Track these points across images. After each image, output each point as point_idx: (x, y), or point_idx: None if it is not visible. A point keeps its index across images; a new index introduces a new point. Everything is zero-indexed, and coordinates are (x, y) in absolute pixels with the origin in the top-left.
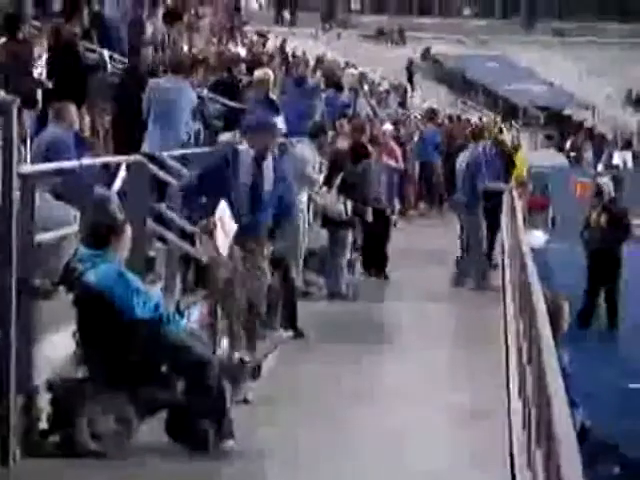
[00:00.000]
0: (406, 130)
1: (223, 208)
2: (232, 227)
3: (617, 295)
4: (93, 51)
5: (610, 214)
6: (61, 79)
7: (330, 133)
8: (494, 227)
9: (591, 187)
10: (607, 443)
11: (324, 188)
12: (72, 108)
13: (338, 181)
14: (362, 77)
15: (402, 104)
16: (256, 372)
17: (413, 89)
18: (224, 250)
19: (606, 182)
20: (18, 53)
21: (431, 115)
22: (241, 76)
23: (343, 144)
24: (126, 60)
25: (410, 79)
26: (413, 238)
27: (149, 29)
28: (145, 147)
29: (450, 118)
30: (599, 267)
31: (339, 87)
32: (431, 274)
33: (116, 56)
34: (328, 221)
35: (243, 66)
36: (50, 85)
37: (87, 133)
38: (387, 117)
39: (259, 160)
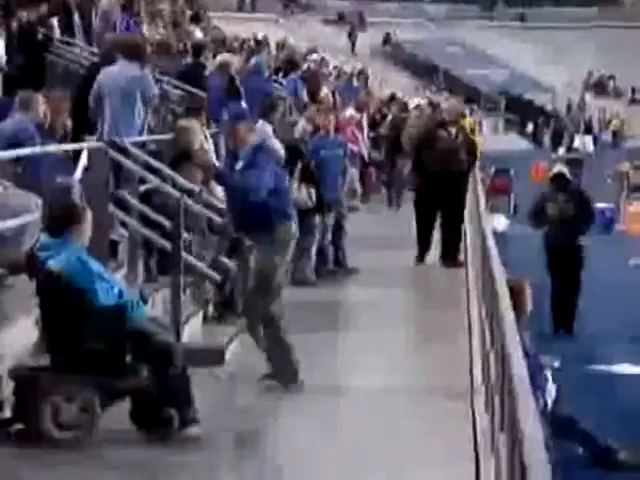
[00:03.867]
0: (369, 115)
1: None
2: None
3: (577, 297)
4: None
5: (576, 204)
6: (20, 64)
7: (292, 116)
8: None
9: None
10: (570, 417)
11: None
12: (39, 98)
13: (299, 168)
14: (323, 62)
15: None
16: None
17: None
18: None
19: (561, 168)
20: None
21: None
22: (205, 61)
23: (307, 127)
24: (90, 48)
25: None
26: (374, 224)
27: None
28: (101, 135)
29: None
30: (561, 264)
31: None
32: (393, 259)
33: (78, 42)
34: None
35: (207, 51)
36: (6, 69)
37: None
38: (350, 102)
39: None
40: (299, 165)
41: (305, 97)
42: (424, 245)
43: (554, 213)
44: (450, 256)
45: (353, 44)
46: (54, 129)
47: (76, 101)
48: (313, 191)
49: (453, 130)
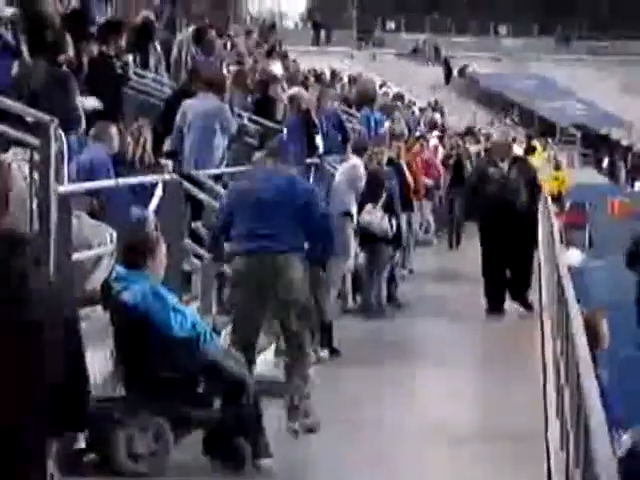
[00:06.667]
0: (446, 148)
1: None
2: None
3: None
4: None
5: None
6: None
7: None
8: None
9: (628, 207)
10: None
11: (369, 205)
12: (113, 129)
13: (384, 198)
14: (397, 96)
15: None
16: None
17: None
18: None
19: None
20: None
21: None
22: (278, 95)
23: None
24: (166, 81)
25: None
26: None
27: (174, 49)
28: (181, 167)
29: (488, 138)
30: None
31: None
32: (461, 292)
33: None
34: (367, 238)
35: (281, 85)
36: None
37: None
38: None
39: None
40: (384, 195)
41: (385, 132)
42: (494, 295)
43: None
44: (518, 298)
45: (447, 75)
46: (134, 160)
47: (156, 132)
48: (394, 222)
49: (505, 165)
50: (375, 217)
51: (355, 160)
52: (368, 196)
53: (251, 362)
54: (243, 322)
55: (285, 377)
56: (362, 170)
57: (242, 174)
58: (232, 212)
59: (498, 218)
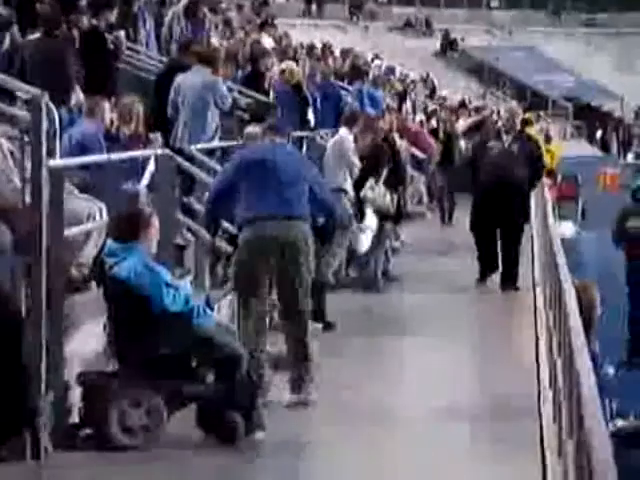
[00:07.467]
0: (438, 121)
1: None
2: None
3: None
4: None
5: None
6: (90, 70)
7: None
8: None
9: (619, 179)
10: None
11: (371, 180)
12: (105, 104)
13: (384, 173)
14: (388, 70)
15: (431, 95)
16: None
17: None
18: None
19: None
20: (53, 50)
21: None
22: (264, 70)
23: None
24: (158, 56)
25: None
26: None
27: (165, 23)
28: (174, 141)
29: (477, 109)
30: None
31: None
32: (454, 266)
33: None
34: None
35: (272, 59)
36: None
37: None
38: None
39: None
40: (385, 170)
41: (383, 106)
42: (485, 265)
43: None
44: (508, 280)
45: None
46: (120, 135)
47: (151, 106)
48: (395, 198)
49: (508, 139)
50: (377, 193)
51: (342, 133)
52: (369, 171)
53: (260, 332)
54: (246, 283)
55: (288, 352)
56: (350, 142)
57: (247, 146)
58: (236, 182)
59: (494, 189)
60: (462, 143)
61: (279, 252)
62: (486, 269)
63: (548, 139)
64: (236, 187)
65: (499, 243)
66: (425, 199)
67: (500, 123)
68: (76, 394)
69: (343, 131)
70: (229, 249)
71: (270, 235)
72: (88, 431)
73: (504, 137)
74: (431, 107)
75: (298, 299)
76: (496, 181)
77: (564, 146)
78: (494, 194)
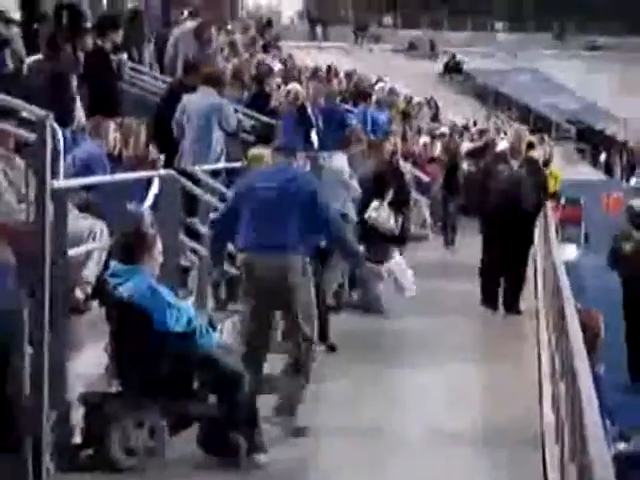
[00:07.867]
0: (442, 144)
1: None
2: None
3: None
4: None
5: None
6: (94, 92)
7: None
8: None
9: (622, 202)
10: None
11: (376, 202)
12: (110, 124)
13: (390, 196)
14: (392, 92)
15: (434, 118)
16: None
17: None
18: None
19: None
20: (58, 71)
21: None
22: (269, 90)
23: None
24: (162, 77)
25: None
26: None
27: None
28: (179, 162)
29: (481, 132)
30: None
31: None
32: (457, 289)
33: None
34: (372, 235)
35: (277, 80)
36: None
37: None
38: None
39: None
40: (390, 192)
41: (388, 127)
42: (489, 290)
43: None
44: (511, 303)
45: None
46: (124, 156)
47: (156, 128)
48: (400, 220)
49: (515, 163)
50: (382, 215)
51: (336, 156)
52: (374, 192)
53: (260, 359)
54: (253, 320)
55: (285, 374)
56: (344, 163)
57: (250, 170)
58: (236, 209)
59: (502, 215)
60: (464, 165)
61: (271, 293)
62: (490, 294)
63: (547, 162)
64: (237, 214)
65: (504, 265)
66: (429, 222)
67: (503, 147)
68: (78, 414)
69: (338, 154)
70: (233, 271)
71: (260, 276)
72: (90, 452)
73: (511, 162)
74: (440, 130)
75: (300, 326)
76: (505, 205)
77: (567, 169)
78: (503, 219)
